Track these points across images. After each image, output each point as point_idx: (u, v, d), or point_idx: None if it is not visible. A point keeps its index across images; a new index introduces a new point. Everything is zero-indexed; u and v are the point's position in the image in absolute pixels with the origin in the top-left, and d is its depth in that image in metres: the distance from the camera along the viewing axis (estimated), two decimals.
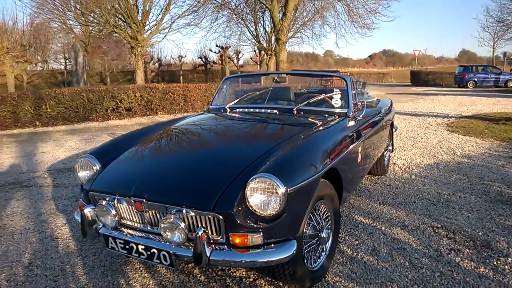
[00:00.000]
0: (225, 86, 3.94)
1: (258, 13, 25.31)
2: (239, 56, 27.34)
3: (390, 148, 4.89)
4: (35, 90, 14.03)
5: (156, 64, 30.06)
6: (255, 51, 27.99)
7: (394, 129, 5.17)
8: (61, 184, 4.69)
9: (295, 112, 3.23)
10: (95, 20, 16.12)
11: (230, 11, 22.62)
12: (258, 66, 27.62)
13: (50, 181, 4.87)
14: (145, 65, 22.24)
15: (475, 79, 24.47)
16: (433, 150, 5.96)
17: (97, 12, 15.78)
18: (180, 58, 28.26)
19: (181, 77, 29.75)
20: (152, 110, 12.02)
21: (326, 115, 3.19)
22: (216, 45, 24.70)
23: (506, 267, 2.56)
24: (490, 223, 3.25)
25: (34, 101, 10.90)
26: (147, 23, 15.73)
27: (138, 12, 15.36)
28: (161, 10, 15.86)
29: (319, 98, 3.35)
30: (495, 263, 2.61)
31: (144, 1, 15.41)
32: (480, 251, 2.77)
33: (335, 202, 2.50)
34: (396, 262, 2.63)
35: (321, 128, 2.85)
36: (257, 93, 3.75)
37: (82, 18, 18.32)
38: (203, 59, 27.33)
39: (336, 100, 3.31)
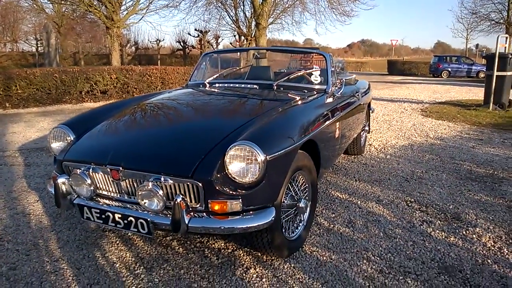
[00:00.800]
0: (204, 62, 3.88)
1: None
2: (219, 41, 26.98)
3: (366, 129, 4.97)
4: (4, 71, 13.46)
5: (133, 47, 29.29)
6: (234, 36, 27.69)
7: (371, 111, 5.25)
8: (33, 163, 4.55)
9: (275, 87, 3.22)
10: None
11: None
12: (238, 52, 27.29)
13: (21, 160, 4.72)
14: (121, 49, 21.63)
15: (449, 69, 25.12)
16: (408, 133, 6.11)
17: None
18: (158, 41, 27.66)
19: (159, 62, 29.13)
20: (129, 93, 11.75)
21: (305, 91, 3.20)
22: (195, 29, 24.28)
23: (474, 236, 2.67)
24: (460, 198, 3.37)
25: (3, 82, 10.43)
26: (124, 2, 15.28)
27: None
28: None
29: (299, 74, 3.36)
30: (464, 232, 2.71)
31: None
32: (451, 223, 2.88)
33: (313, 174, 2.53)
34: (371, 233, 2.70)
35: (299, 102, 2.86)
36: (237, 69, 3.72)
37: (57, 4, 17.63)
38: (182, 43, 26.81)
39: (316, 76, 3.32)
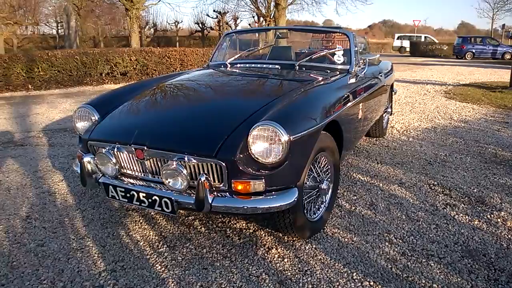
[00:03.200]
0: (225, 42, 3.84)
1: None
2: (237, 23, 26.70)
3: (389, 110, 4.87)
4: (26, 53, 13.69)
5: (152, 29, 29.30)
6: (253, 17, 27.32)
7: (393, 92, 5.13)
8: (57, 143, 4.66)
9: (297, 67, 3.17)
10: None
11: None
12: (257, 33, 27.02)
13: (46, 140, 4.83)
14: (140, 31, 21.67)
15: (473, 50, 24.26)
16: (431, 115, 5.96)
17: None
18: (176, 23, 27.56)
19: (177, 43, 29.10)
20: (148, 74, 11.81)
21: (328, 71, 3.14)
22: (214, 10, 24.06)
23: (498, 220, 2.61)
24: (484, 181, 3.30)
25: (26, 64, 10.65)
26: None
27: None
28: None
29: (321, 54, 3.30)
30: (488, 216, 2.66)
31: None
32: (475, 206, 2.82)
33: (335, 155, 2.50)
34: (393, 215, 2.67)
35: (322, 82, 2.82)
36: (258, 49, 3.68)
37: None
38: (200, 25, 26.65)
39: (339, 56, 3.25)
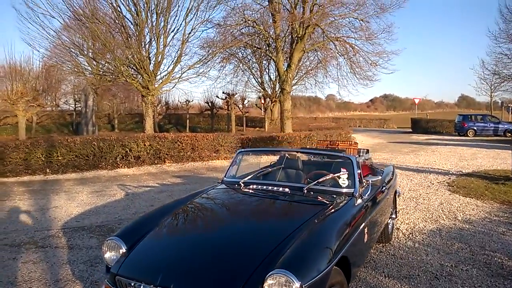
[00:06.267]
0: (238, 159, 4.22)
1: (264, 62, 26.41)
2: (245, 103, 28.13)
3: (393, 216, 5.08)
4: (48, 136, 14.48)
5: (164, 107, 30.83)
6: (260, 98, 28.83)
7: (397, 195, 5.38)
8: (76, 246, 4.86)
9: (305, 191, 3.47)
10: (109, 69, 16.81)
11: (237, 60, 23.61)
12: (263, 111, 28.33)
13: (65, 241, 5.04)
14: (153, 109, 22.84)
15: (475, 128, 25.01)
16: (435, 214, 6.13)
17: (110, 61, 16.54)
18: (187, 102, 29.06)
19: (188, 121, 30.40)
20: (160, 158, 12.32)
21: (334, 196, 3.43)
22: (223, 92, 25.54)
23: None
24: None
25: (46, 149, 11.24)
26: (158, 73, 16.43)
27: (150, 63, 16.09)
28: (172, 61, 16.62)
29: (327, 178, 3.61)
30: None
31: (156, 53, 16.19)
32: None
33: (344, 287, 2.67)
34: None
35: (332, 210, 3.10)
36: (269, 170, 4.04)
37: (95, 66, 19.15)
38: (210, 104, 28.10)
39: (343, 180, 3.56)
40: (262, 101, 27.93)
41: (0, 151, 10.88)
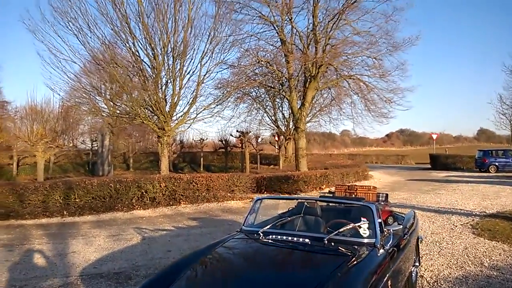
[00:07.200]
0: (256, 207, 4.19)
1: (277, 101, 26.82)
2: (258, 141, 28.35)
3: (417, 264, 4.91)
4: (66, 179, 14.72)
5: (178, 146, 31.27)
6: (274, 136, 29.05)
7: (420, 241, 5.22)
8: None
9: (326, 242, 3.41)
10: (125, 110, 17.29)
11: (251, 99, 24.05)
12: (277, 149, 28.46)
13: None
14: (168, 149, 23.20)
15: (496, 164, 24.45)
16: (460, 259, 5.90)
17: (128, 103, 17.05)
18: (202, 140, 29.45)
19: (202, 159, 30.66)
20: (176, 199, 12.32)
21: (356, 246, 3.36)
22: (237, 131, 25.83)
23: None
24: None
25: (64, 191, 11.40)
26: (174, 114, 16.81)
27: (166, 104, 16.52)
28: (188, 102, 17.03)
29: (348, 227, 3.56)
30: None
31: (172, 94, 16.64)
32: None
33: None
34: None
35: (354, 262, 3.03)
36: (288, 218, 4.00)
37: (112, 107, 19.79)
38: (223, 142, 28.40)
39: (364, 229, 3.50)
40: (276, 139, 28.12)
41: (20, 193, 11.09)
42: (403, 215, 4.99)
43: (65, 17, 15.19)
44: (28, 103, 20.25)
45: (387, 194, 5.12)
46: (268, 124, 29.04)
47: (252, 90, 23.56)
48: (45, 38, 15.35)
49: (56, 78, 17.57)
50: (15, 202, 10.99)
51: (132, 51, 16.39)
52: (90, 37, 15.54)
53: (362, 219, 3.55)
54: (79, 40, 15.49)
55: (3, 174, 25.73)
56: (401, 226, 3.94)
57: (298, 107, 19.48)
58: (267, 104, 27.11)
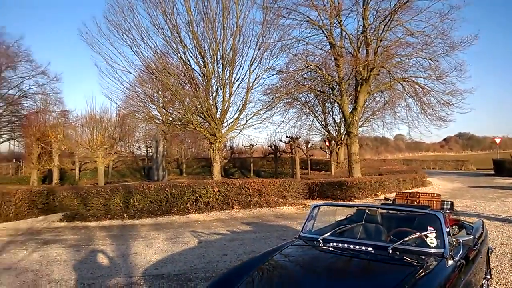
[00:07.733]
0: (314, 213, 4.15)
1: (327, 105, 26.47)
2: (309, 146, 28.09)
3: (488, 276, 4.59)
4: (125, 184, 15.50)
5: (229, 152, 31.84)
6: (324, 141, 28.65)
7: (490, 252, 4.88)
8: None
9: (391, 251, 3.28)
10: (178, 117, 17.93)
11: (300, 104, 23.94)
12: (328, 154, 28.03)
13: None
14: (220, 155, 23.72)
15: None
16: None
17: (180, 110, 17.69)
18: (251, 146, 29.74)
19: (252, 164, 30.94)
20: (228, 204, 12.54)
21: (423, 256, 3.21)
22: (286, 136, 25.80)
23: None
24: None
25: (124, 195, 12.04)
26: (225, 120, 17.17)
27: (217, 111, 16.92)
28: (238, 109, 17.33)
29: (414, 236, 3.41)
30: None
31: (222, 101, 17.02)
32: None
33: None
34: None
35: (422, 273, 2.89)
36: (349, 226, 3.91)
37: (164, 114, 20.62)
38: (273, 148, 28.46)
39: (431, 239, 3.33)
40: (327, 144, 27.71)
41: (84, 197, 11.93)
42: (472, 224, 4.69)
43: (120, 29, 16.19)
44: (88, 112, 21.67)
45: (452, 202, 4.85)
46: (318, 129, 28.76)
47: (301, 95, 23.46)
48: (102, 50, 16.47)
49: (112, 88, 18.72)
50: (79, 205, 11.86)
51: (183, 60, 17.02)
52: (143, 48, 16.43)
53: (429, 228, 3.38)
54: (133, 51, 16.42)
55: (67, 179, 27.68)
56: (471, 236, 3.70)
57: (350, 111, 19.06)
58: (316, 109, 26.87)
